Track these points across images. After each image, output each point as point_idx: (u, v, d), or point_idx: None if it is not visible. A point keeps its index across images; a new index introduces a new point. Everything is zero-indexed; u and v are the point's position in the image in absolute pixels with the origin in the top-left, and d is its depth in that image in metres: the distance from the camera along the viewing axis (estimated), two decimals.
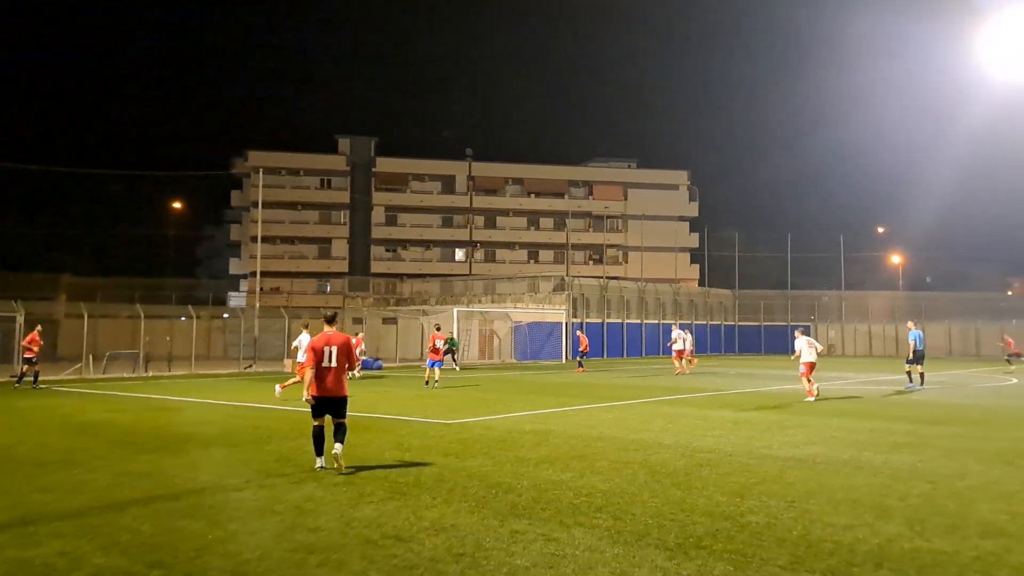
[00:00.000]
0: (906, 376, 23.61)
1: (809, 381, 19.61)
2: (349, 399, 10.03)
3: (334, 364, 9.76)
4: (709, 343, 58.46)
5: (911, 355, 23.29)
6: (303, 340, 19.11)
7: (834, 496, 8.47)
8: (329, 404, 9.77)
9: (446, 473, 9.69)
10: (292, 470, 9.89)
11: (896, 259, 77.27)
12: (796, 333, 20.73)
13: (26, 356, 24.22)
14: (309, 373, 9.78)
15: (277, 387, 19.93)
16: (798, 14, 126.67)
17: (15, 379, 24.72)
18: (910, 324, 24.57)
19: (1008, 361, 36.19)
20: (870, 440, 12.53)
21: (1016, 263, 76.13)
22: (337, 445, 9.61)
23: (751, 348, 60.90)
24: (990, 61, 52.21)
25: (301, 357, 18.04)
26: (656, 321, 55.72)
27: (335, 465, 9.57)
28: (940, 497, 8.47)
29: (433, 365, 24.02)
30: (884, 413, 16.75)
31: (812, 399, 19.05)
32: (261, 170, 49.47)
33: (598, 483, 9.08)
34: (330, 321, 10.19)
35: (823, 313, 63.16)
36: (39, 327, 24.81)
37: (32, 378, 24.08)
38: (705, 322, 59.55)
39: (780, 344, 59.27)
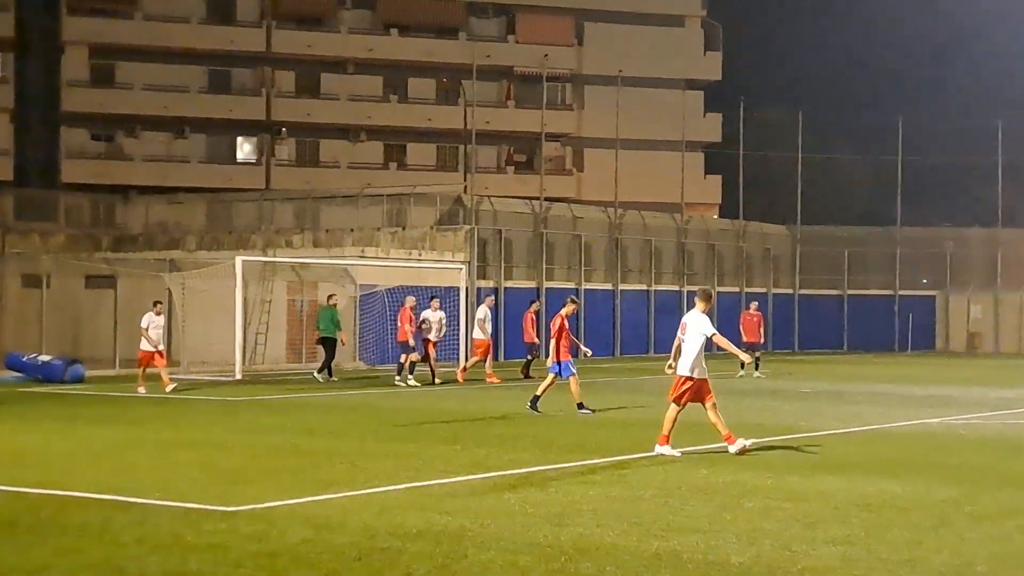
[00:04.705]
0: None
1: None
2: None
3: None
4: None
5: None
6: (488, 315, 19.69)
7: None
8: None
9: None
10: None
11: None
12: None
13: None
14: None
15: (458, 374, 19.41)
16: None
17: None
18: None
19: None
20: None
21: None
22: None
23: (827, 339, 37.93)
24: None
25: (478, 334, 19.33)
26: (643, 287, 34.62)
27: None
28: None
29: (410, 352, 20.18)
30: None
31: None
32: None
33: None
34: None
35: (957, 270, 39.37)
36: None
37: None
38: (738, 289, 36.67)
39: (882, 333, 37.32)
